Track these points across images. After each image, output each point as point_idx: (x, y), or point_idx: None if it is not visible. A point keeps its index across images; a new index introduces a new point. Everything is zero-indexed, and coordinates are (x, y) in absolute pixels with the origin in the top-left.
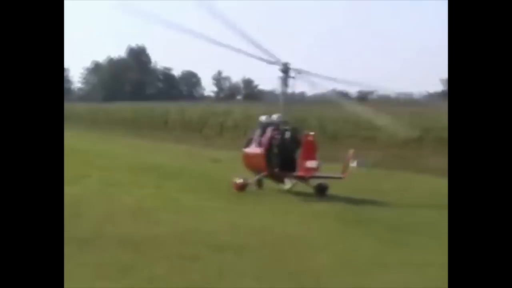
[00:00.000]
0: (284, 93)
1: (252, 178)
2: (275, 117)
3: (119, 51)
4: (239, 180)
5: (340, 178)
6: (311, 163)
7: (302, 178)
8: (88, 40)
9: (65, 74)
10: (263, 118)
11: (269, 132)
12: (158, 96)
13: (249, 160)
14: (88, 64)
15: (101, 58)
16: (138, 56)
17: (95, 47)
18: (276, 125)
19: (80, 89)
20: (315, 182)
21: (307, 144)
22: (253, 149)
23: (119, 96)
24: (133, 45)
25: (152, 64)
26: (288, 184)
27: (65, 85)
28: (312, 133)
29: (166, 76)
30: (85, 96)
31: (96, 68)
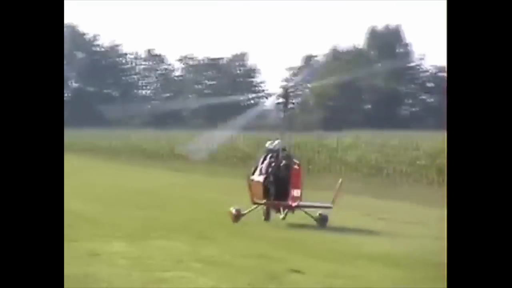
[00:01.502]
0: (284, 119)
1: (248, 209)
2: (275, 143)
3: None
4: (233, 210)
5: (329, 207)
6: (296, 192)
7: (291, 208)
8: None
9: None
10: (267, 144)
11: (267, 159)
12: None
13: (253, 189)
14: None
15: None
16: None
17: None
18: (276, 152)
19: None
20: (316, 212)
21: (294, 175)
22: (256, 177)
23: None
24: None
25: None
26: (282, 213)
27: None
28: (297, 161)
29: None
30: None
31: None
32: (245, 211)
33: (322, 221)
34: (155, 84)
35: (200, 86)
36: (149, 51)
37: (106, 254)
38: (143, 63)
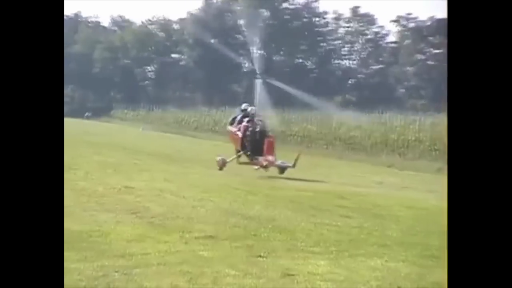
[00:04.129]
0: (258, 94)
1: (231, 157)
2: (250, 108)
3: None
4: (218, 158)
5: (291, 167)
6: (271, 158)
7: (264, 167)
8: None
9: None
10: (243, 105)
11: (245, 122)
12: None
13: (231, 137)
14: None
15: None
16: None
17: None
18: (251, 117)
19: None
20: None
21: (269, 143)
22: (235, 130)
23: None
24: None
25: None
26: (255, 166)
27: None
28: (272, 135)
29: None
30: None
31: None
32: (229, 159)
33: (281, 170)
34: (362, 53)
35: (422, 56)
36: (354, 9)
37: (303, 274)
38: (346, 25)
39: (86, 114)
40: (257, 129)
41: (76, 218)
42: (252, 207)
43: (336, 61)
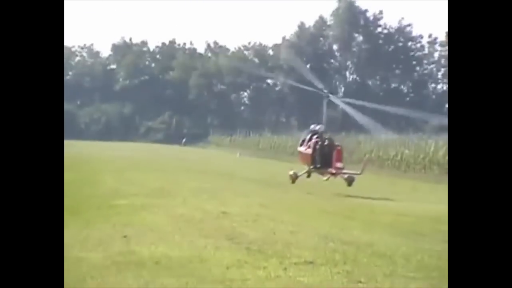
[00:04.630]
0: (325, 113)
1: (301, 171)
2: (319, 127)
3: None
4: (291, 173)
5: (359, 174)
6: (339, 164)
7: (333, 174)
8: None
9: None
10: (311, 126)
11: (314, 139)
12: None
13: (301, 157)
14: None
15: None
16: None
17: None
18: (320, 134)
19: None
20: (345, 175)
21: (338, 152)
22: (305, 149)
23: None
24: None
25: None
26: (325, 176)
27: None
28: (339, 145)
29: None
30: None
31: None
32: (300, 174)
33: (349, 181)
34: None
35: None
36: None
37: None
38: (442, 49)
39: (184, 140)
40: (325, 143)
41: (176, 244)
42: (351, 232)
43: (432, 85)
